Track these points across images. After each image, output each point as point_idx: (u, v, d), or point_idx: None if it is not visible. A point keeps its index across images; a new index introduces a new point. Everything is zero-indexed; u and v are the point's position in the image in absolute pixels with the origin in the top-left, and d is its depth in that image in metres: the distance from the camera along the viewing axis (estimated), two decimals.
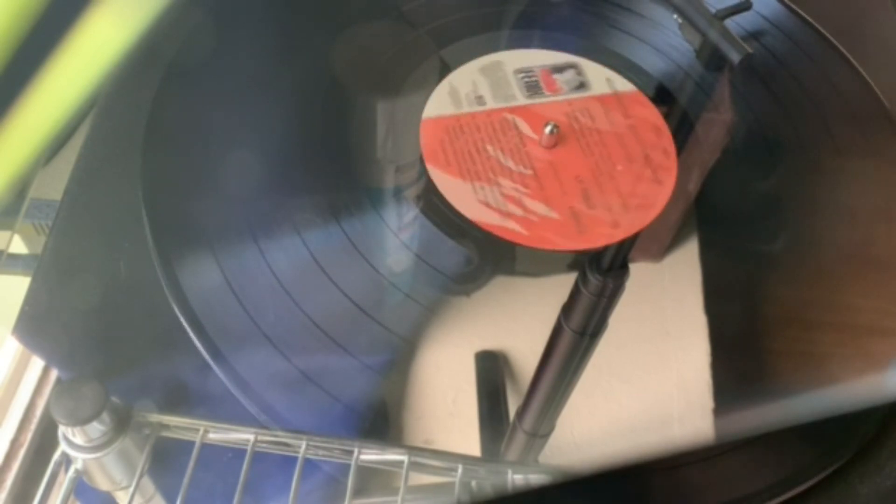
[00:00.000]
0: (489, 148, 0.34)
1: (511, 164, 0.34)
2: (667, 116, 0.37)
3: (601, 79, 0.37)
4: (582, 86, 0.37)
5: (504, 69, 0.37)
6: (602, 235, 0.32)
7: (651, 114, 0.36)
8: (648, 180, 0.34)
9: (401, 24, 0.44)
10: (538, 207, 0.33)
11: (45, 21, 0.26)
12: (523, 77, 0.36)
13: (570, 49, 0.39)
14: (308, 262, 0.35)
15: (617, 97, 0.36)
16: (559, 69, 0.37)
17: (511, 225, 0.32)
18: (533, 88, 0.36)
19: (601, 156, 0.34)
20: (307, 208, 0.37)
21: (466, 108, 0.35)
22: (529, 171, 0.34)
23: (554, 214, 0.32)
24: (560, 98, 0.36)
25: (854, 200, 0.40)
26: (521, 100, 0.36)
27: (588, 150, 0.35)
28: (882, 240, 0.39)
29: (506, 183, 0.33)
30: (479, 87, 0.36)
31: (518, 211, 0.32)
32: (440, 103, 0.35)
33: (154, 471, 0.30)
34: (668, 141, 0.35)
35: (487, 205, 0.32)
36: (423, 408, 0.36)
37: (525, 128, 0.35)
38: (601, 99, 0.36)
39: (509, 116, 0.35)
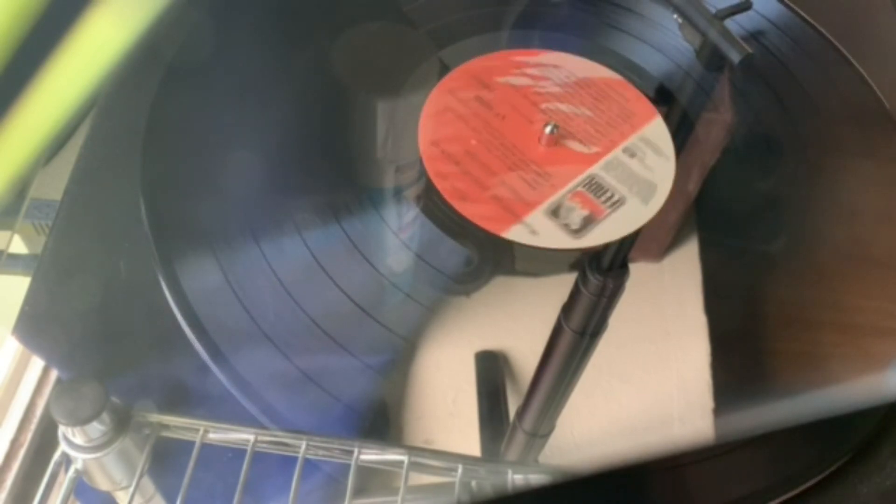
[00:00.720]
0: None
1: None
2: (667, 116, 0.37)
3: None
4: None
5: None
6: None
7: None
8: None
9: (401, 24, 0.44)
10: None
11: (45, 21, 0.26)
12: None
13: (570, 49, 0.39)
14: (308, 262, 0.35)
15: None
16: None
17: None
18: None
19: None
20: (307, 208, 0.37)
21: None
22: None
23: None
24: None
25: (854, 200, 0.40)
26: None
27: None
28: (882, 240, 0.38)
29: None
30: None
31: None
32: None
33: (154, 471, 0.30)
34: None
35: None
36: (423, 408, 0.36)
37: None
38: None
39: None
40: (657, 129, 0.36)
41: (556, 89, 0.37)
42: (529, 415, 0.34)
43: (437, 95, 0.36)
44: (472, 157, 0.34)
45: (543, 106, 0.36)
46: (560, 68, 0.38)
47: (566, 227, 0.32)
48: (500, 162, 0.34)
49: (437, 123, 0.35)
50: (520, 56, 0.39)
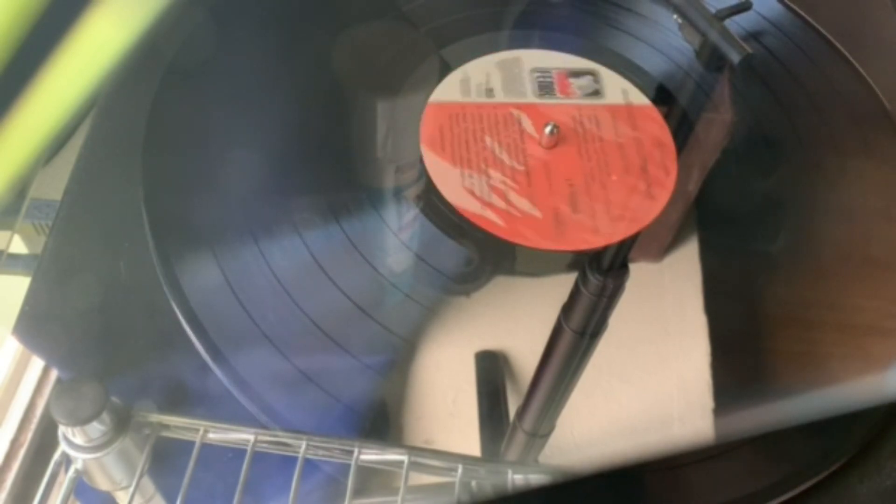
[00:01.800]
0: (487, 139, 0.34)
1: (505, 157, 0.34)
2: (667, 116, 0.37)
3: (617, 89, 0.37)
4: (596, 93, 0.37)
5: (521, 66, 0.37)
6: (580, 240, 0.32)
7: (660, 130, 0.36)
8: (641, 194, 0.34)
9: (401, 24, 0.44)
10: (522, 203, 0.33)
11: (45, 21, 0.26)
12: (538, 76, 0.36)
13: (571, 49, 0.39)
14: (308, 262, 0.35)
15: (629, 109, 0.36)
16: (576, 74, 0.37)
17: (490, 215, 0.32)
18: (546, 88, 0.36)
19: (598, 163, 0.34)
20: (307, 208, 0.37)
21: (474, 98, 0.35)
22: (522, 168, 0.34)
23: (536, 212, 0.32)
24: (571, 102, 0.36)
25: (854, 200, 0.40)
26: (530, 98, 0.36)
27: (586, 155, 0.34)
28: (882, 240, 0.38)
29: (495, 175, 0.33)
30: (491, 79, 0.36)
31: (501, 203, 0.32)
32: (449, 90, 0.36)
33: (154, 471, 0.30)
34: (670, 158, 0.35)
35: (472, 193, 0.32)
36: (423, 408, 0.36)
37: (528, 125, 0.35)
38: (612, 109, 0.36)
39: (515, 112, 0.35)
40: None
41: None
42: (529, 415, 0.34)
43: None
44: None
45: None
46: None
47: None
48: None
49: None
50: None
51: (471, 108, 0.35)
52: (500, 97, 0.36)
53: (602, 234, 0.32)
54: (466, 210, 0.32)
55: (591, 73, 0.37)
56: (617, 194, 0.34)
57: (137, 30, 0.28)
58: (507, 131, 0.35)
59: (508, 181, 0.33)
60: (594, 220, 0.33)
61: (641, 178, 0.34)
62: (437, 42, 0.42)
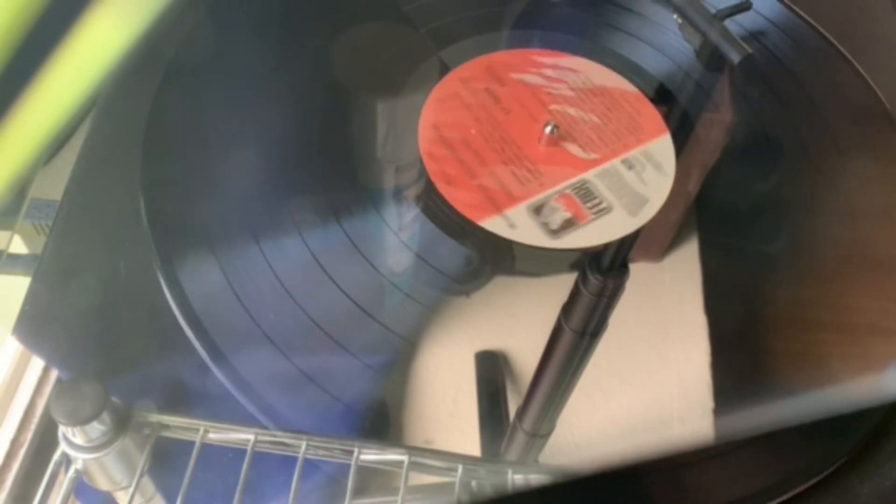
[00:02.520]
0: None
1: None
2: (667, 116, 0.37)
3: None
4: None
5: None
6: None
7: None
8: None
9: (401, 24, 0.44)
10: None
11: (45, 21, 0.26)
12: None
13: (571, 49, 0.39)
14: (308, 262, 0.35)
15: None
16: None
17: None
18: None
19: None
20: (307, 208, 0.37)
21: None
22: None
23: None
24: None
25: (854, 200, 0.40)
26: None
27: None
28: (882, 240, 0.38)
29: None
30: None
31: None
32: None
33: (154, 471, 0.30)
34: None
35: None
36: (423, 408, 0.36)
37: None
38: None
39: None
40: (663, 146, 0.36)
41: (568, 93, 0.37)
42: (529, 415, 0.34)
43: (448, 82, 0.37)
44: (467, 145, 0.34)
45: (552, 107, 0.36)
46: (578, 73, 0.38)
47: (545, 225, 0.32)
48: (494, 154, 0.34)
49: (441, 108, 0.35)
50: (540, 56, 0.39)
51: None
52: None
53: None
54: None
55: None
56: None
57: (137, 30, 0.28)
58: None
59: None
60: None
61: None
62: (437, 42, 0.42)
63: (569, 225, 0.33)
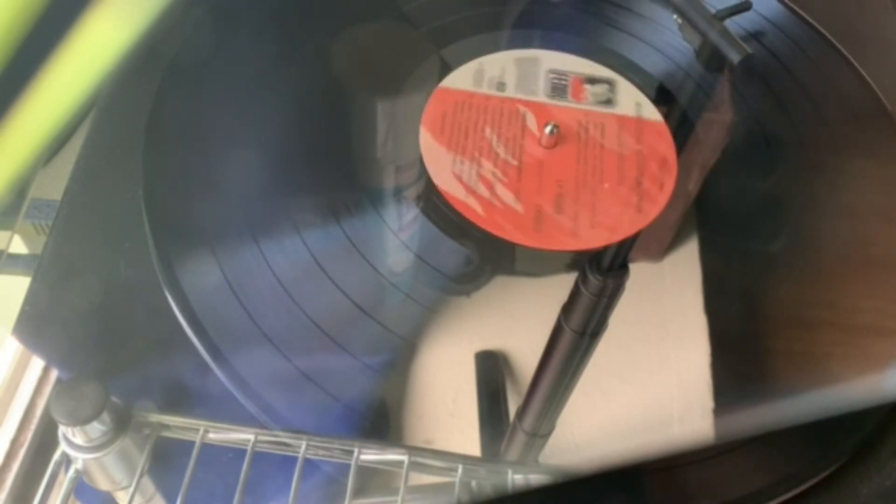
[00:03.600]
0: (487, 130, 0.34)
1: (501, 150, 0.34)
2: (667, 116, 0.37)
3: (631, 101, 0.37)
4: (609, 102, 0.36)
5: (539, 66, 0.37)
6: (556, 241, 0.32)
7: (665, 147, 0.36)
8: (630, 207, 0.34)
9: (401, 24, 0.44)
10: (506, 196, 0.33)
11: (45, 21, 0.26)
12: (554, 78, 0.36)
13: (571, 49, 0.39)
14: (308, 262, 0.35)
15: (638, 122, 0.36)
16: (592, 80, 0.37)
17: (472, 203, 0.32)
18: (558, 90, 0.36)
19: (593, 169, 0.34)
20: (307, 208, 0.37)
21: (485, 90, 0.35)
22: (515, 162, 0.34)
23: (518, 207, 0.32)
24: (581, 107, 0.36)
25: (854, 200, 0.40)
26: (541, 97, 0.36)
27: (583, 160, 0.34)
28: (882, 240, 0.38)
29: (487, 165, 0.33)
30: (506, 74, 0.36)
31: (486, 193, 0.32)
32: (462, 79, 0.36)
33: (154, 471, 0.30)
34: (669, 176, 0.35)
35: (459, 178, 0.33)
36: (423, 408, 0.36)
37: (532, 122, 0.35)
38: (621, 119, 0.36)
39: (522, 108, 0.35)
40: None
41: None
42: (529, 415, 0.34)
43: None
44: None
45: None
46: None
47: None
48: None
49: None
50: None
51: (478, 99, 0.35)
52: (510, 92, 0.36)
53: (580, 238, 0.32)
54: (450, 195, 0.32)
55: (609, 81, 0.37)
56: (605, 203, 0.33)
57: (137, 30, 0.28)
58: (509, 126, 0.35)
59: (498, 173, 0.33)
60: (575, 224, 0.32)
61: (634, 191, 0.34)
62: (437, 42, 0.42)
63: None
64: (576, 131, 0.35)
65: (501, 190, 0.33)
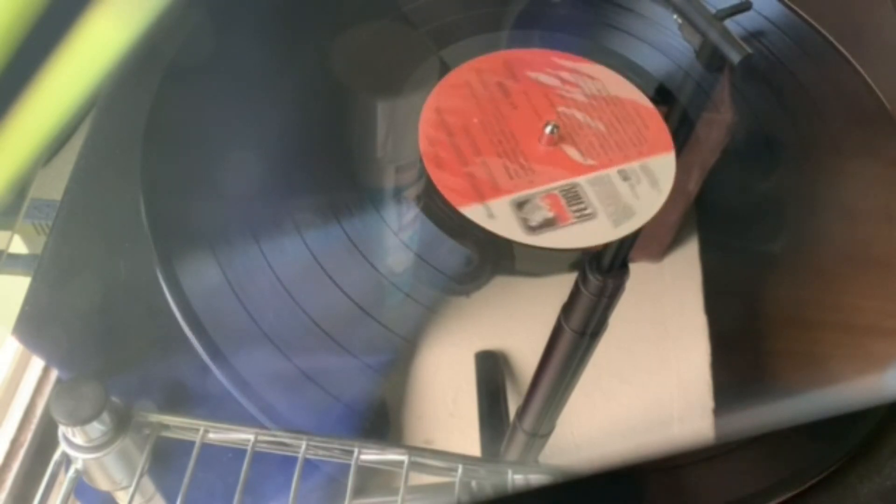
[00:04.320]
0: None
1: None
2: (667, 116, 0.37)
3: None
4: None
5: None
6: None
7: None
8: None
9: (401, 24, 0.44)
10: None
11: (45, 21, 0.26)
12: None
13: (571, 49, 0.39)
14: (308, 262, 0.35)
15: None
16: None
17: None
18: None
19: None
20: (307, 208, 0.37)
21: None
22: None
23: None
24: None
25: (854, 200, 0.40)
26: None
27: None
28: (882, 240, 0.38)
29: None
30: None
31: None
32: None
33: (154, 471, 0.30)
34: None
35: (526, 223, 0.33)
36: (423, 408, 0.36)
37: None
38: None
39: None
40: (664, 164, 0.36)
41: (580, 98, 0.37)
42: (529, 415, 0.34)
43: (463, 70, 0.37)
44: (466, 133, 0.34)
45: (560, 109, 0.36)
46: (595, 80, 0.38)
47: (524, 221, 0.32)
48: (491, 146, 0.34)
49: (449, 94, 0.36)
50: (561, 59, 0.39)
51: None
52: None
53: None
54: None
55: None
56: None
57: (137, 30, 0.28)
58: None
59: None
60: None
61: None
62: (437, 42, 0.42)
63: (548, 224, 0.33)
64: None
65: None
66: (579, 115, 0.36)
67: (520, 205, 0.33)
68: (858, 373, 0.34)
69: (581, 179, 0.34)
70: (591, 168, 0.35)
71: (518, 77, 0.37)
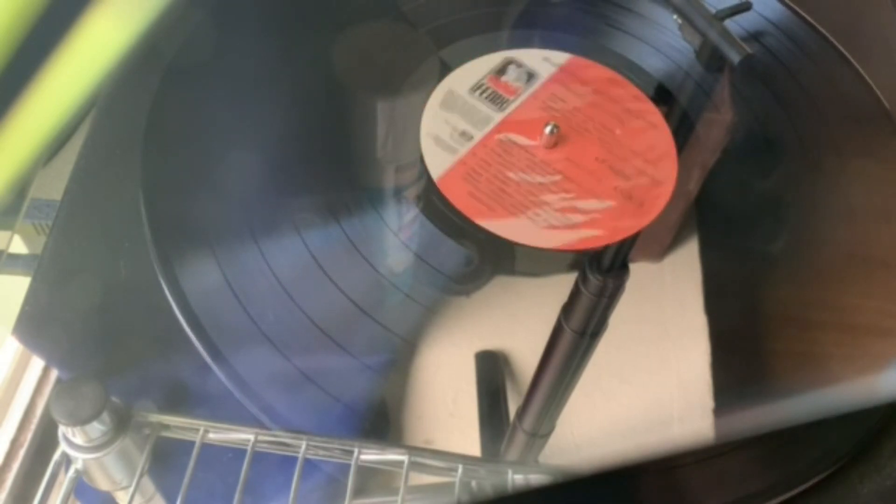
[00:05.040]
0: (510, 175, 0.34)
1: (539, 178, 0.34)
2: (667, 116, 0.37)
3: (539, 62, 0.38)
4: (531, 77, 0.37)
5: (459, 95, 0.37)
6: (658, 197, 0.33)
7: (600, 71, 0.38)
8: (646, 128, 0.35)
9: (401, 24, 0.44)
10: (592, 204, 0.33)
11: (45, 21, 0.26)
12: (479, 93, 0.37)
13: (571, 49, 0.39)
14: (308, 263, 0.35)
15: (564, 71, 0.37)
16: (500, 71, 0.37)
17: (585, 233, 0.33)
18: (496, 100, 0.36)
19: (597, 129, 0.35)
20: (307, 208, 0.37)
21: (462, 149, 0.35)
22: (558, 177, 0.34)
23: (608, 203, 0.33)
24: (524, 97, 0.37)
25: (854, 200, 0.40)
26: (496, 117, 0.36)
27: (584, 130, 0.35)
28: (882, 240, 0.38)
29: (550, 198, 0.33)
30: (454, 124, 0.36)
31: (579, 217, 0.33)
32: (439, 159, 0.35)
33: (154, 471, 0.30)
34: (631, 88, 0.37)
35: (553, 227, 0.33)
36: (423, 408, 0.36)
37: (521, 139, 0.35)
38: (555, 79, 0.37)
39: (501, 136, 0.35)
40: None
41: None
42: (529, 415, 0.34)
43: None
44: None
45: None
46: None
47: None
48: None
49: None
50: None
51: (469, 160, 0.35)
52: (477, 134, 0.36)
53: (661, 180, 0.34)
54: (566, 245, 0.32)
55: (510, 61, 0.38)
56: (634, 142, 0.35)
57: (137, 30, 0.28)
58: (515, 157, 0.35)
59: (564, 195, 0.33)
60: (646, 174, 0.34)
61: (633, 116, 0.36)
62: (437, 42, 0.42)
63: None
64: (551, 115, 0.36)
65: (583, 204, 0.33)
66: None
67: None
68: (858, 373, 0.34)
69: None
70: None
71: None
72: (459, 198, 0.34)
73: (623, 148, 0.35)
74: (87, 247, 0.38)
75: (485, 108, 0.36)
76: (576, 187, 0.33)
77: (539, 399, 0.33)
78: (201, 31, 0.39)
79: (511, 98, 0.36)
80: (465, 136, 0.35)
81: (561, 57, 0.38)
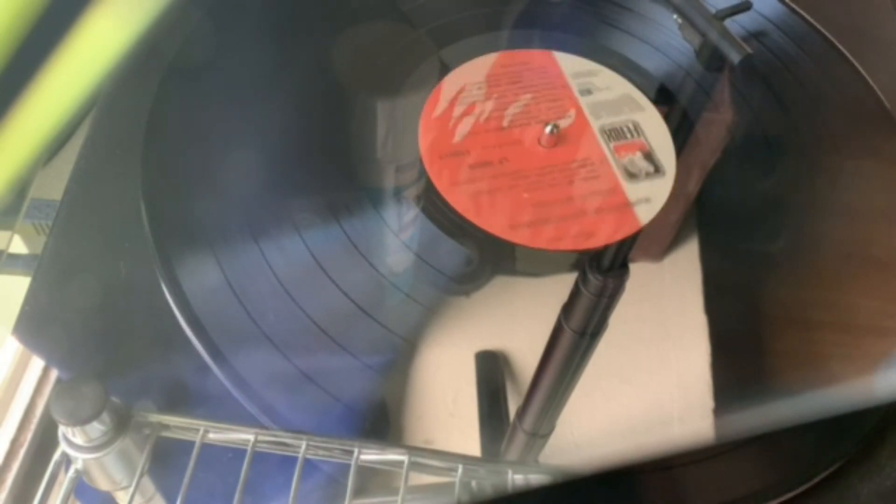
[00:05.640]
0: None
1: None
2: (667, 116, 0.37)
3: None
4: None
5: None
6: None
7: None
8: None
9: (401, 24, 0.44)
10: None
11: (45, 21, 0.26)
12: None
13: (571, 49, 0.39)
14: (308, 262, 0.35)
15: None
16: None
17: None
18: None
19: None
20: (307, 208, 0.37)
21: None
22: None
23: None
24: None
25: (854, 200, 0.40)
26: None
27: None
28: (882, 240, 0.38)
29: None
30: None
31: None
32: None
33: (154, 471, 0.30)
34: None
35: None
36: (423, 408, 0.36)
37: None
38: None
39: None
40: None
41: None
42: (529, 415, 0.34)
43: None
44: None
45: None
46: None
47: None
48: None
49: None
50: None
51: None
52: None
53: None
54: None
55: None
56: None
57: (137, 30, 0.28)
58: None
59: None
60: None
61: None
62: (437, 42, 0.42)
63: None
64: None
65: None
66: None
67: None
68: (858, 373, 0.34)
69: None
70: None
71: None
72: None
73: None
74: (87, 247, 0.38)
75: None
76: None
77: (539, 399, 0.33)
78: (201, 31, 0.39)
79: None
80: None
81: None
